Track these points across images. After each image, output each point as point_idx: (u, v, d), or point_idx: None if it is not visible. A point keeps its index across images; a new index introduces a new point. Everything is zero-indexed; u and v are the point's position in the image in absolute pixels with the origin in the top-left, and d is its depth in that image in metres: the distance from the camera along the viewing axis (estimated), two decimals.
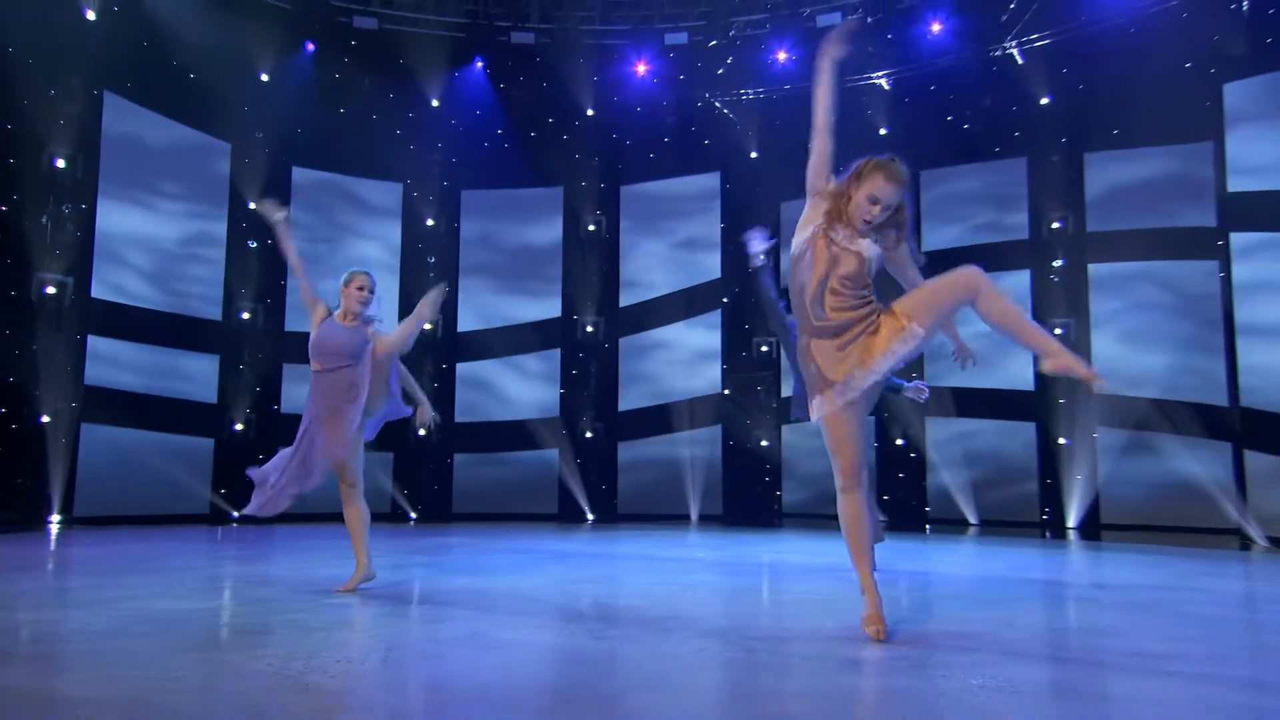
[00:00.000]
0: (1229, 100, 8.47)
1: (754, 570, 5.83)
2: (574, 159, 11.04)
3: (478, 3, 10.62)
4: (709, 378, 10.89)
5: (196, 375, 9.51)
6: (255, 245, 9.80)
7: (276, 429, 9.88)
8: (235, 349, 9.71)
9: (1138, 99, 8.98)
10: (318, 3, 9.98)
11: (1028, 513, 9.65)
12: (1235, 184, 8.46)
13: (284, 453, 4.18)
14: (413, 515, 10.35)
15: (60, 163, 8.51)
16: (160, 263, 9.32)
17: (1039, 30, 9.51)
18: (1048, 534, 9.34)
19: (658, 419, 10.99)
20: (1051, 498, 9.53)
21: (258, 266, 9.87)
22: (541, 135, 11.10)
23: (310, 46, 10.05)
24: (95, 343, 8.78)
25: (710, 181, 11.07)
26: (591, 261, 11.06)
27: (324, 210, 10.44)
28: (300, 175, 10.26)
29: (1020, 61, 9.74)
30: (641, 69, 10.78)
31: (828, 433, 2.98)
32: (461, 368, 10.88)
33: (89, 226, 8.72)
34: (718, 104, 10.97)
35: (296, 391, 10.09)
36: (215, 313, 9.65)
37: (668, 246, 11.21)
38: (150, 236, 9.25)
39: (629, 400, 11.11)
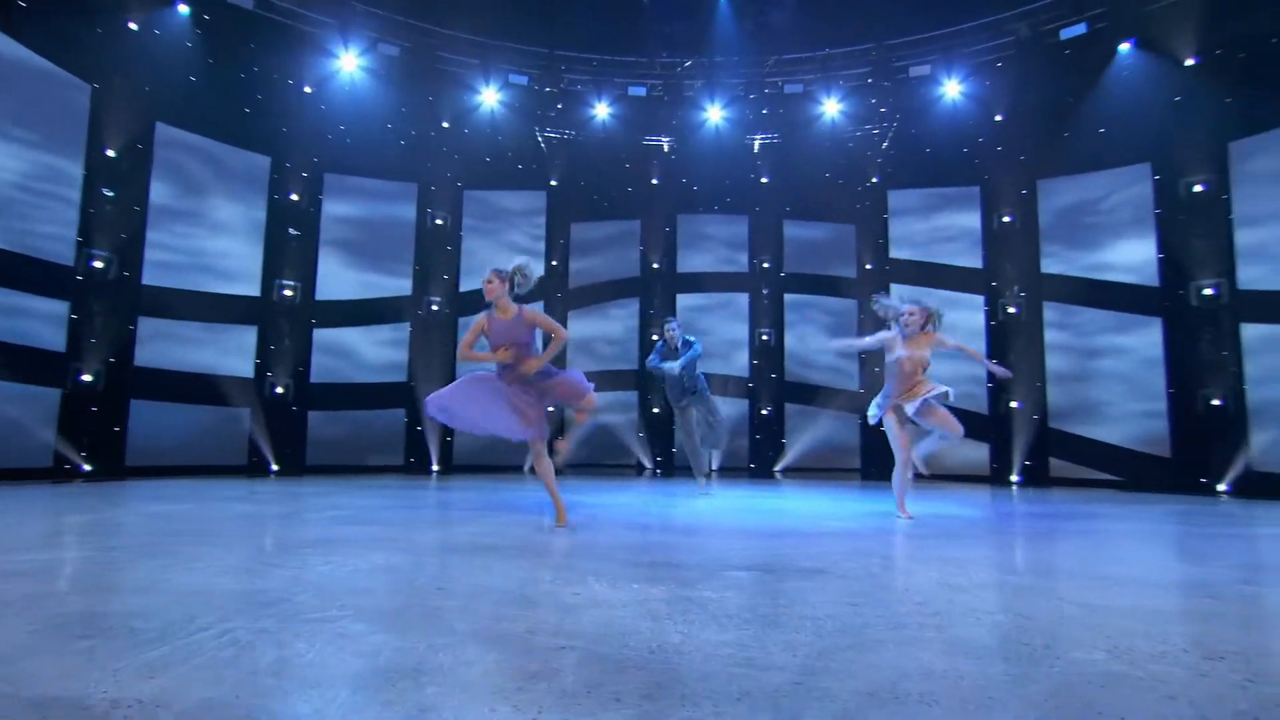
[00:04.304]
0: (891, 201, 12.52)
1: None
2: (428, 163, 11.61)
3: (346, 5, 10.75)
4: None
5: (43, 321, 8.29)
6: (113, 194, 8.84)
7: (129, 381, 9.03)
8: (86, 298, 8.62)
9: (819, 188, 12.80)
10: None
11: (741, 461, 12.86)
12: (894, 253, 12.50)
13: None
14: (274, 467, 10.01)
15: None
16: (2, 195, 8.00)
17: (773, 131, 12.86)
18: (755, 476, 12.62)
19: None
20: (759, 451, 12.84)
21: (114, 216, 8.88)
22: (402, 135, 11.43)
23: (182, 7, 9.35)
24: None
25: (538, 199, 12.48)
26: (438, 250, 11.72)
27: (187, 170, 9.67)
28: (164, 131, 9.39)
29: (755, 151, 13.04)
30: (491, 99, 11.88)
31: None
32: (318, 333, 10.74)
33: None
34: (540, 138, 12.55)
35: (150, 345, 9.31)
36: (67, 257, 8.48)
37: (502, 244, 12.22)
38: None
39: (466, 368, 11.86)
